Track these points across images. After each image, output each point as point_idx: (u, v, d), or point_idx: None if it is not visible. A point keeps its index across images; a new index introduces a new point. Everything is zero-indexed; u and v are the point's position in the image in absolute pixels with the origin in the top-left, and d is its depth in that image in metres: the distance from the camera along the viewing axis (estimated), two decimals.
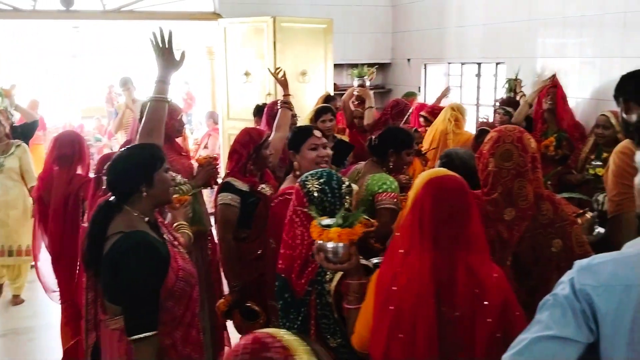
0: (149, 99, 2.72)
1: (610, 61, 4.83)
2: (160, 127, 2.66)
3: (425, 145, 5.14)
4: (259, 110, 5.25)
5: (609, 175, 2.26)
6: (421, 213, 1.83)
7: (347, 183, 2.25)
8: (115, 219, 2.20)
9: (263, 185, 3.30)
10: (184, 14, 7.38)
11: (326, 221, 1.99)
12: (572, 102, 5.03)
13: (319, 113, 4.66)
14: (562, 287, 1.28)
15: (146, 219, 2.25)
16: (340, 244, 1.93)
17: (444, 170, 1.96)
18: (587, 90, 5.09)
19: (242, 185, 3.28)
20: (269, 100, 6.40)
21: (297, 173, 2.93)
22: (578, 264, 1.29)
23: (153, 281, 2.12)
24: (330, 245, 1.93)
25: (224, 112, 7.17)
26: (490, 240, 2.07)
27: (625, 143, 2.31)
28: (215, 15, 7.23)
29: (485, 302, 1.74)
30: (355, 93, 5.72)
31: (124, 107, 7.46)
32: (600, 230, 2.64)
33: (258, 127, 4.75)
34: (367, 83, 5.95)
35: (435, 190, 1.85)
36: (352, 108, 5.66)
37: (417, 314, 1.75)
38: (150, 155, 2.31)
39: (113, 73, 15.85)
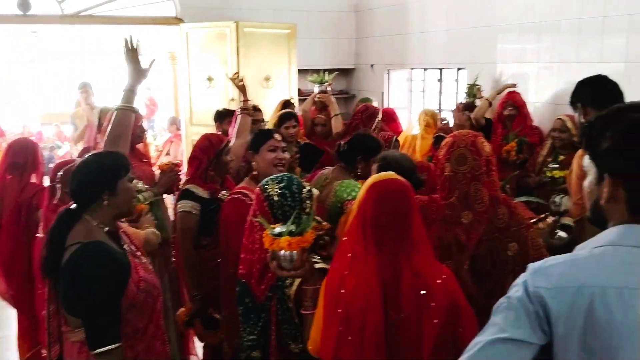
0: (116, 108, 2.71)
1: (567, 66, 4.94)
2: (127, 136, 2.68)
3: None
4: (219, 116, 5.20)
5: (573, 179, 2.28)
6: (364, 217, 1.86)
7: (307, 187, 2.25)
8: (75, 228, 2.14)
9: (224, 192, 3.27)
10: (145, 19, 7.28)
11: (278, 229, 1.99)
12: (530, 107, 5.13)
13: (282, 119, 4.62)
14: (515, 290, 1.29)
15: (106, 228, 2.20)
16: (293, 252, 1.95)
17: (389, 174, 1.99)
18: (545, 95, 5.20)
19: (203, 192, 3.24)
20: (232, 106, 6.37)
21: (255, 174, 2.96)
22: (531, 266, 1.30)
23: (112, 293, 2.07)
24: (282, 253, 1.96)
25: (187, 117, 7.09)
26: (448, 244, 2.09)
27: None
28: (177, 20, 7.16)
29: (432, 304, 1.76)
30: (316, 99, 5.64)
31: (82, 115, 7.17)
32: (562, 234, 2.68)
33: (219, 132, 4.71)
34: (328, 89, 5.87)
35: (376, 194, 1.87)
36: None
37: (365, 317, 1.76)
38: (114, 163, 2.26)
39: (72, 78, 15.59)
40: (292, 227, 1.97)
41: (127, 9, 7.09)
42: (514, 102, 5.00)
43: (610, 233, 1.28)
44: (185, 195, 3.24)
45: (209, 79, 6.74)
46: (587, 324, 1.20)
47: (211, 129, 5.29)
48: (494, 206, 2.09)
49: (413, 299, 1.76)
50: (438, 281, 1.79)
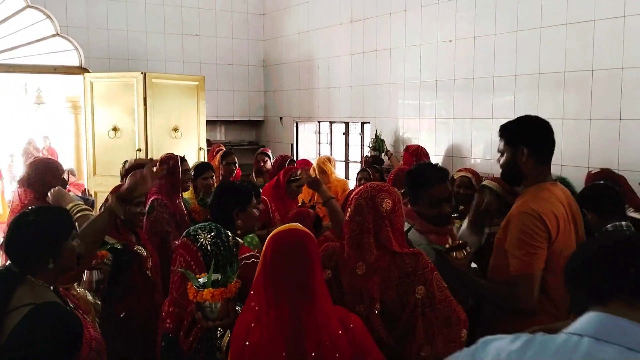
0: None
1: (461, 121, 5.32)
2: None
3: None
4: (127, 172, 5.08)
5: (514, 235, 2.26)
6: (264, 268, 1.87)
7: (231, 235, 2.26)
8: (18, 290, 1.95)
9: (139, 247, 3.18)
10: (48, 68, 7.07)
11: (202, 280, 1.99)
12: (432, 159, 5.44)
13: (200, 170, 4.53)
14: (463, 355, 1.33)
15: (51, 287, 2.05)
16: (216, 303, 1.94)
17: (292, 225, 2.00)
18: (442, 148, 5.55)
19: (115, 243, 3.14)
20: (138, 156, 6.25)
21: (239, 232, 2.80)
22: (481, 340, 1.33)
23: (69, 355, 1.92)
24: (206, 304, 1.95)
25: (90, 168, 6.85)
26: (359, 289, 2.15)
27: (525, 203, 2.33)
28: (82, 70, 7.00)
29: (337, 355, 1.78)
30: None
31: None
32: (474, 266, 2.79)
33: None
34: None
35: (274, 245, 1.88)
36: None
37: None
38: (59, 222, 2.10)
39: None
40: (217, 277, 1.97)
41: (29, 57, 6.85)
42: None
43: (587, 321, 1.20)
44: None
45: (115, 129, 6.60)
46: None
47: (116, 179, 5.15)
48: (391, 257, 2.17)
49: (317, 352, 1.76)
50: (340, 332, 1.81)
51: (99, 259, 2.88)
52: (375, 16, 6.29)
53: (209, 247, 2.14)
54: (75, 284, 2.71)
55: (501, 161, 2.46)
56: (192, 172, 4.43)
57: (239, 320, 1.92)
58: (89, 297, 2.71)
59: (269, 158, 5.73)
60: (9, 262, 2.05)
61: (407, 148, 5.45)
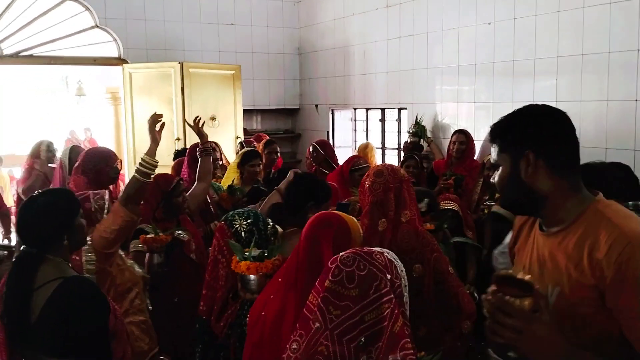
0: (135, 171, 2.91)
1: (501, 105, 5.21)
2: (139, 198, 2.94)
3: None
4: (176, 156, 5.17)
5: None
6: (297, 247, 1.91)
7: (271, 224, 2.30)
8: (41, 269, 2.05)
9: (179, 231, 3.23)
10: (88, 59, 7.21)
11: (247, 254, 2.10)
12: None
13: (247, 157, 4.54)
14: None
15: (70, 265, 2.16)
16: (252, 276, 2.07)
17: (330, 211, 2.08)
18: (481, 133, 5.45)
19: (154, 232, 3.19)
20: (178, 146, 6.33)
21: None
22: None
23: (106, 326, 2.04)
24: (247, 277, 2.10)
25: (131, 158, 6.99)
26: None
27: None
28: (120, 61, 7.12)
29: None
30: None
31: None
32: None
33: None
34: None
35: (307, 226, 1.95)
36: None
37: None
38: (68, 202, 2.22)
39: (14, 118, 15.09)
40: (259, 252, 2.08)
41: (69, 49, 7.00)
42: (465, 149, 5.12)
43: None
44: (137, 235, 3.18)
45: None
46: None
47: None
48: (393, 228, 2.30)
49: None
50: None
51: (160, 242, 2.95)
52: (411, 0, 6.20)
53: (243, 234, 2.19)
54: (122, 254, 2.80)
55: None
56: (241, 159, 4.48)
57: (264, 290, 1.97)
58: (137, 268, 2.80)
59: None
60: (23, 246, 2.15)
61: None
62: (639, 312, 1.32)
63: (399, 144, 6.69)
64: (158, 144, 3.11)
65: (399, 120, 6.73)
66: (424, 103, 6.10)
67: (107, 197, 2.85)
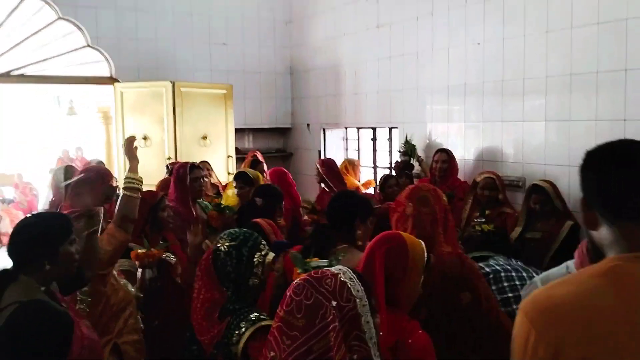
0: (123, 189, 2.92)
1: (491, 125, 5.24)
2: (134, 217, 2.92)
3: None
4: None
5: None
6: None
7: (263, 252, 2.17)
8: (9, 288, 2.00)
9: (168, 254, 3.19)
10: (79, 78, 7.20)
11: (310, 264, 2.13)
12: (459, 163, 5.36)
13: (235, 179, 4.55)
14: None
15: (43, 288, 2.09)
16: None
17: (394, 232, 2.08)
18: (471, 152, 5.47)
19: (137, 247, 3.16)
20: (169, 163, 6.31)
21: (360, 244, 2.68)
22: None
23: (56, 354, 1.94)
24: None
25: (121, 177, 6.93)
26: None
27: None
28: (112, 80, 7.11)
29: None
30: None
31: None
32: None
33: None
34: None
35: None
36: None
37: None
38: (57, 227, 2.15)
39: (4, 137, 15.04)
40: (322, 263, 2.10)
41: (60, 68, 6.99)
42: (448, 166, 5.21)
43: None
44: (124, 254, 3.14)
45: (145, 138, 6.68)
46: None
47: (147, 188, 5.19)
48: (437, 259, 2.13)
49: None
50: (410, 340, 1.81)
51: (152, 258, 2.92)
52: (401, 20, 6.25)
53: (221, 255, 2.12)
54: (116, 274, 2.76)
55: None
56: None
57: None
58: (130, 287, 2.76)
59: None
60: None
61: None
62: None
63: (390, 163, 6.70)
64: (138, 161, 3.11)
65: (390, 139, 6.74)
66: (415, 122, 6.13)
67: (101, 214, 2.82)
